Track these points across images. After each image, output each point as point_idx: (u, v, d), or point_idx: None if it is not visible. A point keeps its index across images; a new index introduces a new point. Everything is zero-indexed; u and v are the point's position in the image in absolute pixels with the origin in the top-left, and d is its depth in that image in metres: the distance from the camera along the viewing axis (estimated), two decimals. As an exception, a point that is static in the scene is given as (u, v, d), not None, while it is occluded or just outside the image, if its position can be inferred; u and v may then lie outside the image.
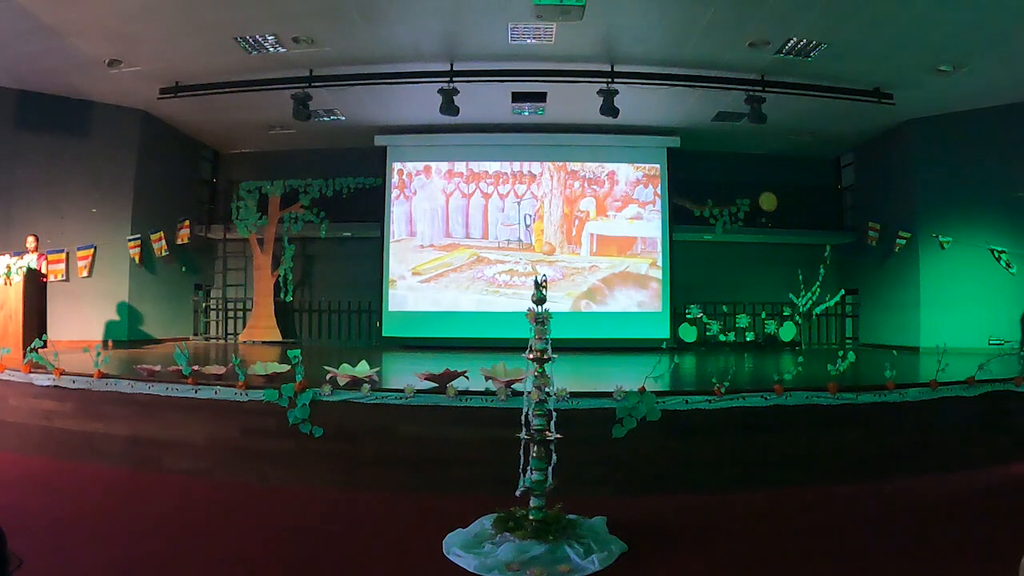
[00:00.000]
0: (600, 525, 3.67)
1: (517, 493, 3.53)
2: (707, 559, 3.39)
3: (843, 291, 11.81)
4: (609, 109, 8.90)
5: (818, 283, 11.47)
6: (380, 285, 11.48)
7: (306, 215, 11.92)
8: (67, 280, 9.44)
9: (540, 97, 9.84)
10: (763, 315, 11.90)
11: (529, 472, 3.54)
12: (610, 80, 8.73)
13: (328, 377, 4.92)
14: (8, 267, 7.27)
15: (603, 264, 11.48)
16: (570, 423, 3.85)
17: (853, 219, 12.25)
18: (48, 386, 5.47)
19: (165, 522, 3.87)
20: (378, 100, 9.94)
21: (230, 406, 4.98)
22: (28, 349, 5.71)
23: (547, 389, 3.60)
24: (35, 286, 7.54)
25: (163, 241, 10.49)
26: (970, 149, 9.83)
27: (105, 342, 9.04)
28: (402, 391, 4.77)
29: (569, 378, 5.18)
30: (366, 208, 11.78)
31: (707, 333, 11.62)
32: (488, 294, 11.40)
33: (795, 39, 7.78)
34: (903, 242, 10.37)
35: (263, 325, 11.68)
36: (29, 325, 7.17)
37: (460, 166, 11.65)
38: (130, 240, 10.02)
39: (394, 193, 11.61)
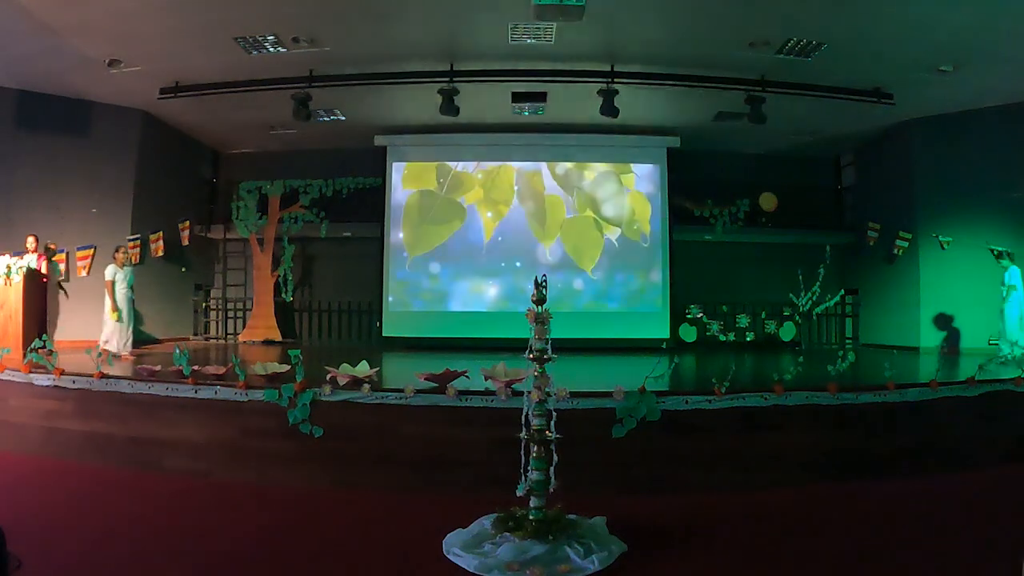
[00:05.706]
0: (600, 525, 3.67)
1: (519, 493, 3.53)
2: (707, 559, 3.40)
3: (843, 291, 11.79)
4: (609, 109, 8.89)
5: (818, 283, 11.44)
6: (380, 285, 11.48)
7: (306, 215, 11.92)
8: (67, 280, 9.44)
9: (540, 97, 9.83)
10: (763, 315, 11.88)
11: (529, 472, 3.54)
12: (610, 80, 8.72)
13: (328, 377, 4.93)
14: (8, 267, 7.28)
15: (603, 264, 11.46)
16: (570, 423, 3.85)
17: (853, 219, 12.24)
18: (48, 386, 5.48)
19: (165, 522, 3.88)
20: (378, 100, 9.93)
21: (230, 406, 4.99)
22: (28, 349, 5.71)
23: (547, 389, 3.60)
24: (35, 286, 7.54)
25: (160, 241, 10.48)
26: (970, 149, 9.82)
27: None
28: (402, 391, 4.78)
29: (569, 378, 5.18)
30: (366, 208, 11.78)
31: (707, 333, 11.61)
32: (488, 294, 11.39)
33: (795, 39, 7.77)
34: (905, 244, 10.36)
35: (263, 325, 11.68)
36: (29, 325, 7.17)
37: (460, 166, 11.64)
38: (130, 240, 10.02)
39: (394, 193, 11.61)
